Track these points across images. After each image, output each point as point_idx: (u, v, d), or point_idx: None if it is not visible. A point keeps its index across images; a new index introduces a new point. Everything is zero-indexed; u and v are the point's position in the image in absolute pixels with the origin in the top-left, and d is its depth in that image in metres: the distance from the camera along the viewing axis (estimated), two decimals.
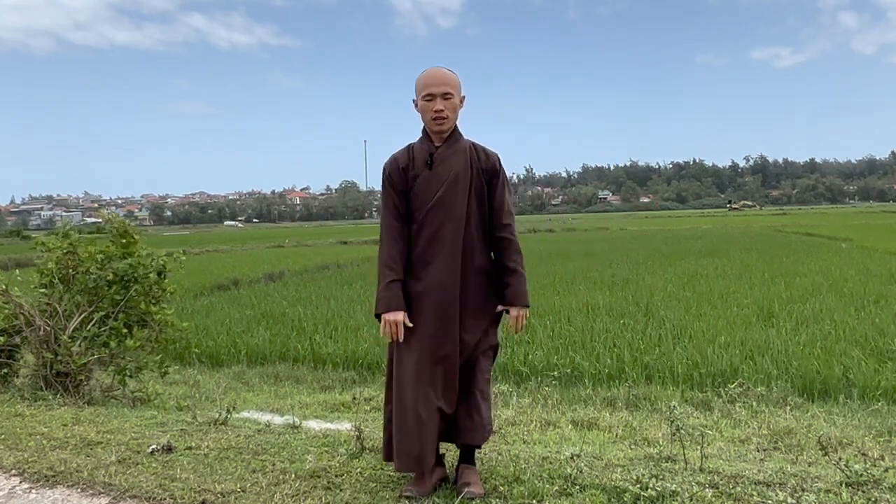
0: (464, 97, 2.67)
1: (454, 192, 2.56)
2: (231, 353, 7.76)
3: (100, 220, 5.19)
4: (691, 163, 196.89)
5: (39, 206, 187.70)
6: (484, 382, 2.64)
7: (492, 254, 2.68)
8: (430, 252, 2.55)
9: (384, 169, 2.68)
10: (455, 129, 2.66)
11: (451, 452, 3.01)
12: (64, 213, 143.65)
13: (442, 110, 2.56)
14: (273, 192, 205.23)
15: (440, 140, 2.63)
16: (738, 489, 2.52)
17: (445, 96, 2.56)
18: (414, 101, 2.64)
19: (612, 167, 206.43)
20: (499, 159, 2.69)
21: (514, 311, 2.64)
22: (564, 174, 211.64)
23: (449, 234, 2.54)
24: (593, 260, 17.92)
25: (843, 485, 2.57)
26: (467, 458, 2.69)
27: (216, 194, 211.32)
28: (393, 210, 2.63)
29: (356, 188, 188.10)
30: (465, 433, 2.60)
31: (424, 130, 2.67)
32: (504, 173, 2.71)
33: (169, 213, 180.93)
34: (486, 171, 2.65)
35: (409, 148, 2.69)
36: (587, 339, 7.20)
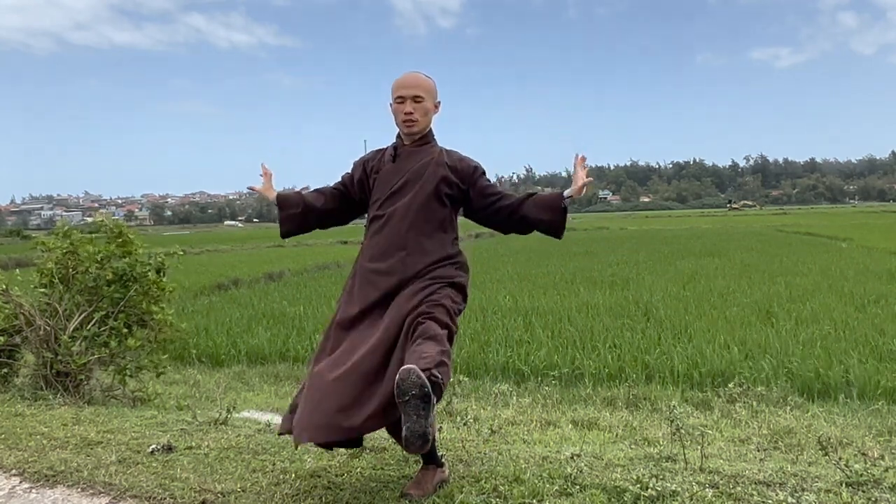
0: (439, 103, 2.70)
1: (413, 184, 2.59)
2: (231, 352, 7.75)
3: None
4: (691, 162, 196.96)
5: (39, 206, 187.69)
6: (427, 328, 2.32)
7: (509, 208, 2.65)
8: (383, 239, 2.58)
9: (353, 162, 2.83)
10: (428, 133, 2.70)
11: (450, 452, 3.01)
12: (64, 213, 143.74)
13: (411, 113, 2.59)
14: None
15: (411, 141, 2.68)
16: (738, 489, 2.52)
17: (416, 99, 2.59)
18: (390, 104, 2.68)
19: (612, 167, 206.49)
20: (474, 162, 2.71)
21: (576, 189, 2.59)
22: (564, 174, 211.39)
23: (401, 223, 2.56)
24: (593, 260, 17.92)
25: (843, 484, 2.57)
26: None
27: (216, 194, 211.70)
28: (338, 182, 2.82)
29: None
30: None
31: (398, 134, 2.71)
32: (483, 171, 2.71)
33: (169, 213, 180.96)
34: (460, 172, 2.65)
35: (384, 148, 2.77)
36: (587, 338, 7.20)
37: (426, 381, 2.04)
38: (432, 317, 2.35)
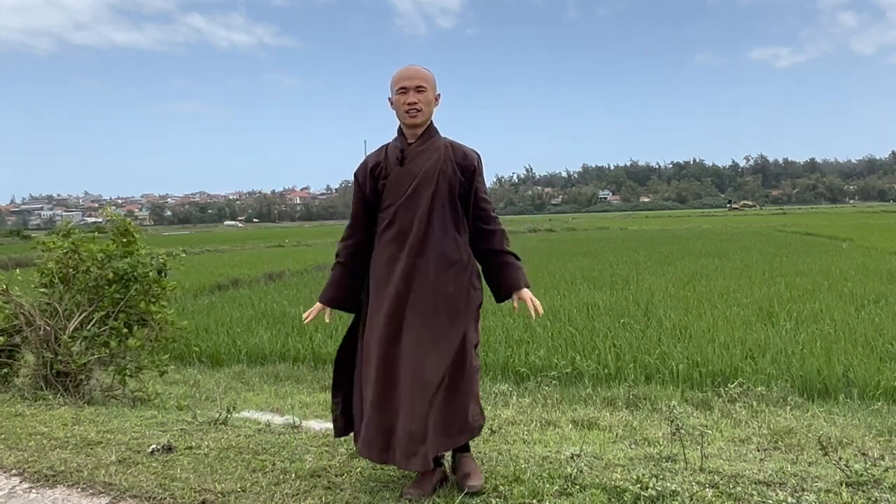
0: (439, 95, 2.69)
1: (426, 188, 2.57)
2: (231, 352, 7.75)
3: (100, 220, 5.19)
4: (691, 162, 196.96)
5: (39, 206, 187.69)
6: (469, 377, 2.56)
7: (482, 245, 2.72)
8: (398, 246, 2.57)
9: (354, 174, 2.75)
10: (430, 126, 2.68)
11: (450, 453, 3.01)
12: (64, 213, 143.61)
13: (415, 102, 2.57)
14: (273, 192, 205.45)
15: (414, 137, 2.65)
16: (738, 489, 2.52)
17: (419, 89, 2.58)
18: (389, 98, 2.66)
19: (612, 167, 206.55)
20: (478, 157, 2.71)
21: (527, 294, 2.66)
22: (564, 174, 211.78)
23: (418, 229, 2.55)
24: (593, 260, 17.91)
25: (844, 484, 2.57)
26: (462, 446, 2.67)
27: (216, 194, 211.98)
28: (353, 212, 2.76)
29: None
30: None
31: (399, 129, 2.69)
32: (482, 171, 2.73)
33: (169, 213, 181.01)
34: (464, 168, 2.65)
35: (383, 147, 2.72)
36: (587, 338, 7.19)
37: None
38: (469, 367, 2.54)
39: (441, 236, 2.57)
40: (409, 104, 2.57)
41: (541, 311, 2.63)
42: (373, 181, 2.66)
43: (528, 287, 2.68)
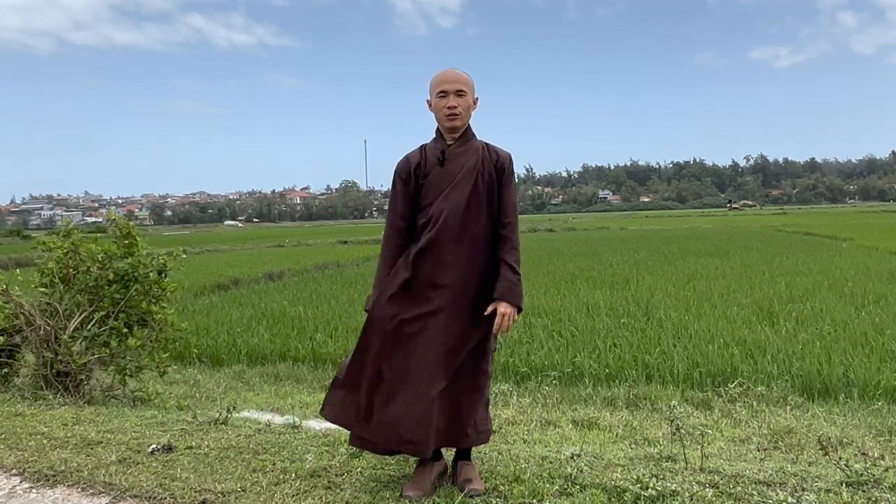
0: (477, 98, 2.73)
1: (465, 188, 2.60)
2: (231, 352, 7.75)
3: (100, 220, 5.20)
4: (691, 162, 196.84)
5: (39, 205, 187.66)
6: (481, 380, 2.64)
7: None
8: (438, 246, 2.58)
9: (395, 170, 2.73)
10: (468, 128, 2.71)
11: (450, 453, 3.01)
12: (64, 213, 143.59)
13: (455, 106, 2.60)
14: (273, 192, 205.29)
15: (452, 139, 2.68)
16: (739, 489, 2.52)
17: (459, 93, 2.61)
18: (428, 101, 2.70)
19: (612, 167, 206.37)
20: (510, 158, 2.74)
21: (502, 308, 2.54)
22: (564, 174, 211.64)
23: (457, 229, 2.57)
24: (593, 259, 17.91)
25: (844, 484, 2.57)
26: (464, 454, 2.72)
27: (216, 194, 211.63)
28: (398, 209, 2.69)
29: (356, 188, 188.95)
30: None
31: (438, 130, 2.72)
32: (512, 172, 2.74)
33: (169, 213, 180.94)
34: (497, 168, 2.69)
35: (422, 147, 2.75)
36: (587, 338, 7.20)
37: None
38: (482, 370, 2.63)
39: (477, 237, 2.60)
40: (449, 108, 2.60)
41: (501, 330, 2.57)
42: (415, 179, 2.68)
43: (511, 305, 2.55)
